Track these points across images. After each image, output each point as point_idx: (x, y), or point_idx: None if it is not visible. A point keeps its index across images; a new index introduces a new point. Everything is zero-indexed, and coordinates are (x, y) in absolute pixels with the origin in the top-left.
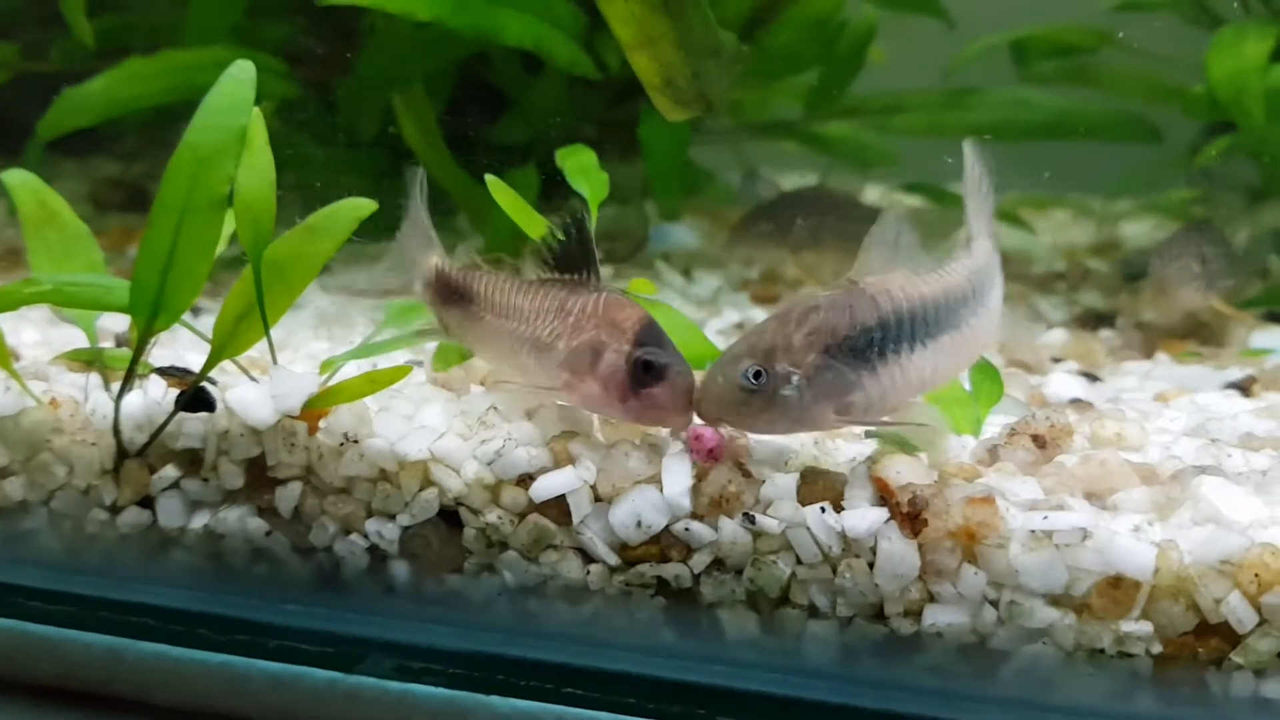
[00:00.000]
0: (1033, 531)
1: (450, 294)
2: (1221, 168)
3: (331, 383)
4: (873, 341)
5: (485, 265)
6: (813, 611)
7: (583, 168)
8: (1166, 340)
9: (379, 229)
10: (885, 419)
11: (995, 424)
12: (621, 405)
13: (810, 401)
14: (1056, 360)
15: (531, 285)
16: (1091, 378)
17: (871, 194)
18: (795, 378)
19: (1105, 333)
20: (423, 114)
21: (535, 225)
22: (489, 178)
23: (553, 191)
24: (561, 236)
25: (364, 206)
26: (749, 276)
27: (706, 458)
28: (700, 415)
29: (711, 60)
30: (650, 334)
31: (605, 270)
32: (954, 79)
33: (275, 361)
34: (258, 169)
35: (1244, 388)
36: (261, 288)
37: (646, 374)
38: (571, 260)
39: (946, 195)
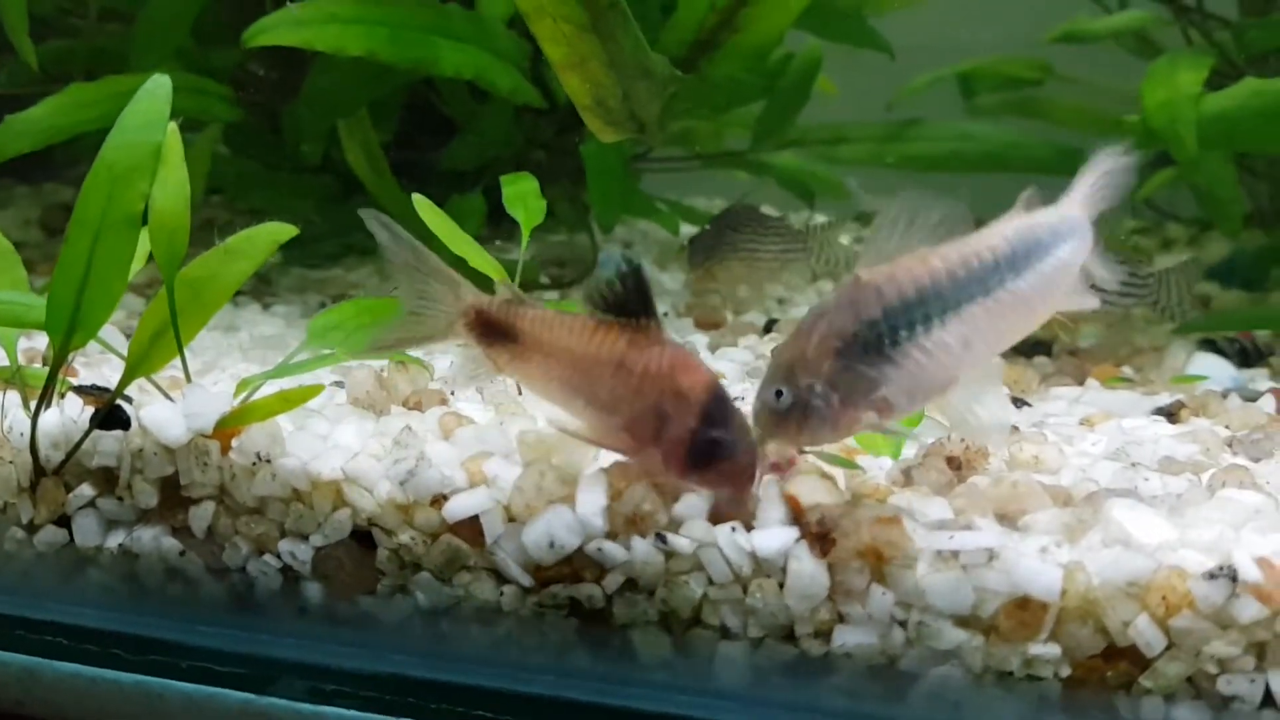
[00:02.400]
0: (939, 552)
1: (494, 332)
2: (1166, 198)
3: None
4: (882, 333)
5: (526, 300)
6: (724, 632)
7: (521, 194)
8: (1100, 367)
9: (326, 253)
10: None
11: (916, 446)
12: (682, 478)
13: (840, 406)
14: None
15: (582, 325)
16: (1020, 402)
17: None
18: (819, 387)
19: (1040, 359)
20: (367, 140)
21: (463, 246)
22: (416, 197)
23: (501, 218)
24: (617, 283)
25: (283, 231)
26: (693, 301)
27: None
28: (761, 442)
29: (642, 82)
30: (718, 409)
31: (551, 295)
32: (902, 109)
33: (189, 380)
34: (172, 185)
35: (1172, 413)
36: (175, 306)
37: (713, 453)
38: (627, 306)
39: None
